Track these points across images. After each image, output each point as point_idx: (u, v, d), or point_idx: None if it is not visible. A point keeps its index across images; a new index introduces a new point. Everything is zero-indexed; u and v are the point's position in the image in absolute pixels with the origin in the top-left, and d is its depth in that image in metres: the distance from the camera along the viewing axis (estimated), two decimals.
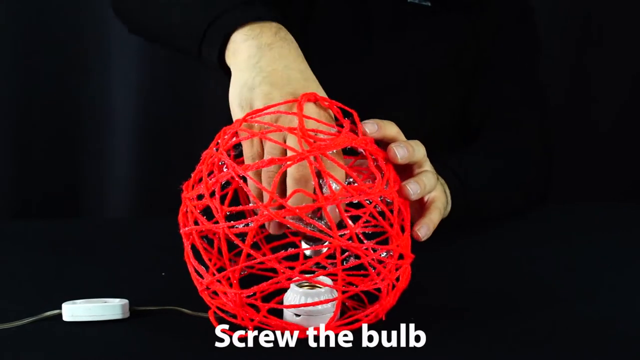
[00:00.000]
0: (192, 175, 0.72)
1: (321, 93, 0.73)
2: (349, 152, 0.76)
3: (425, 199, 0.77)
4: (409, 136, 0.79)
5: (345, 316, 0.72)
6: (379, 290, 0.72)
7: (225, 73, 0.79)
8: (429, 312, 0.76)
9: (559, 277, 0.88)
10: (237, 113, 0.73)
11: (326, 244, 0.68)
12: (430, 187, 0.75)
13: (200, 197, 0.70)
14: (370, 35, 1.15)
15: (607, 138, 1.71)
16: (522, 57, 1.21)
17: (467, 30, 1.17)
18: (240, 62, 0.75)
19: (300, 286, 0.71)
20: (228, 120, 0.75)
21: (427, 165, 0.77)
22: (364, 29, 1.15)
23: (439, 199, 0.79)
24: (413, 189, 0.72)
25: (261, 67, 0.73)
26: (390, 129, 0.74)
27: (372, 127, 0.72)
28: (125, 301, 0.73)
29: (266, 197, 0.68)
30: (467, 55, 1.18)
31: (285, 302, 0.70)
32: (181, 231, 0.72)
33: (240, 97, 0.73)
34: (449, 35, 1.17)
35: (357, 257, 0.68)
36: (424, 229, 0.74)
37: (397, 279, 0.71)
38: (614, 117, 1.69)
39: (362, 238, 0.75)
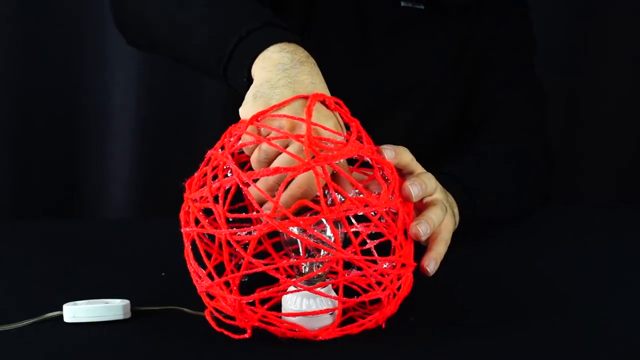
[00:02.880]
0: (196, 174, 0.71)
1: (338, 120, 0.73)
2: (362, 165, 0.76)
3: (425, 200, 0.77)
4: (412, 139, 0.79)
5: (345, 317, 0.72)
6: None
7: (244, 90, 0.78)
8: (429, 313, 0.76)
9: (560, 278, 0.88)
10: (247, 103, 0.73)
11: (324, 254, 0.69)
12: (430, 189, 0.76)
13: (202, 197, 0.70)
14: (368, 40, 1.15)
15: (607, 138, 1.71)
16: (522, 56, 1.21)
17: (464, 33, 1.17)
18: (269, 65, 0.75)
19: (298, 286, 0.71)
20: (228, 120, 0.75)
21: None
22: (361, 34, 1.15)
23: (446, 228, 0.79)
24: (415, 191, 0.73)
25: (289, 74, 0.73)
26: (405, 156, 0.75)
27: (391, 154, 0.73)
28: (126, 302, 0.73)
29: (269, 205, 0.68)
30: (466, 57, 1.18)
31: (284, 302, 0.70)
32: (182, 230, 0.72)
33: (257, 90, 0.73)
34: (447, 38, 1.17)
35: (359, 268, 0.68)
36: (432, 264, 0.75)
37: (399, 288, 0.71)
38: (615, 117, 1.69)
39: (372, 251, 0.75)
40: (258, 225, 0.65)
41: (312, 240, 0.67)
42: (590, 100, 1.69)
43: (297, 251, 0.72)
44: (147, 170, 1.62)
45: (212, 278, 0.69)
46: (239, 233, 0.66)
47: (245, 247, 0.66)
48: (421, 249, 0.76)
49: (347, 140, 0.69)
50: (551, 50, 1.57)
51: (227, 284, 0.68)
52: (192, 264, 0.70)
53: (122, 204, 1.62)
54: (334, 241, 0.66)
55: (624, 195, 1.70)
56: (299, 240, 0.71)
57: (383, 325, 0.70)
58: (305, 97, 0.70)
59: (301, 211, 0.68)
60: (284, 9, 1.09)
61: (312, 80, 0.73)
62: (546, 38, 1.32)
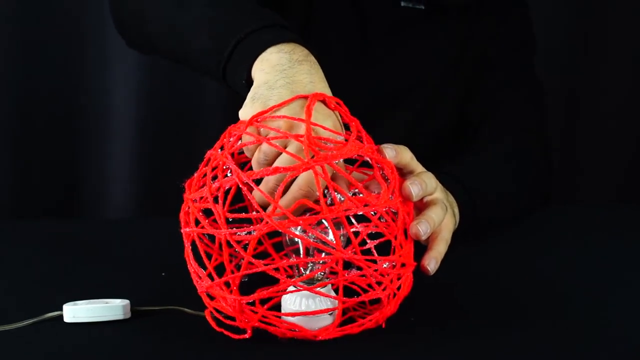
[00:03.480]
0: (195, 174, 0.72)
1: (338, 119, 0.73)
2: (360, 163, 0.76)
3: (425, 200, 0.77)
4: (412, 139, 0.78)
5: (345, 317, 0.72)
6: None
7: (244, 91, 0.78)
8: (429, 313, 0.76)
9: (560, 278, 0.88)
10: (247, 105, 0.73)
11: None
12: (431, 188, 0.76)
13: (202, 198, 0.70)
14: (368, 40, 1.15)
15: (607, 138, 1.70)
16: (522, 56, 1.21)
17: (464, 33, 1.17)
18: (267, 67, 0.75)
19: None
20: (228, 120, 0.75)
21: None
22: (361, 34, 1.15)
23: (446, 227, 0.79)
24: (415, 190, 0.73)
25: (287, 74, 0.73)
26: (405, 155, 0.75)
27: (392, 153, 0.73)
28: (126, 302, 0.73)
29: (263, 200, 0.67)
30: (466, 57, 1.18)
31: (284, 302, 0.70)
32: (182, 230, 0.72)
33: (255, 92, 0.73)
34: (447, 38, 1.17)
35: (359, 268, 0.68)
36: (433, 264, 0.75)
37: (399, 288, 0.71)
38: (615, 117, 1.69)
39: (372, 251, 0.75)
40: (258, 225, 0.65)
41: (312, 240, 0.67)
42: (591, 101, 1.69)
43: (297, 252, 0.72)
44: (147, 170, 1.62)
45: (212, 279, 0.69)
46: (238, 233, 0.66)
47: (245, 247, 0.66)
48: (421, 249, 0.76)
49: (346, 140, 0.69)
50: (551, 50, 1.56)
51: (227, 284, 0.68)
52: (192, 265, 0.70)
53: (122, 204, 1.62)
54: (334, 241, 0.66)
55: (624, 195, 1.70)
56: (299, 241, 0.71)
57: (383, 325, 0.70)
58: (305, 97, 0.70)
59: (302, 211, 0.68)
60: (283, 9, 1.09)
61: (310, 79, 0.73)
62: (546, 38, 1.32)
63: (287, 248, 0.73)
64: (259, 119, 0.70)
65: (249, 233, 0.66)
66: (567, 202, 1.68)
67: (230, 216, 0.67)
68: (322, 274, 0.71)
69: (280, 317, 0.68)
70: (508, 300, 0.80)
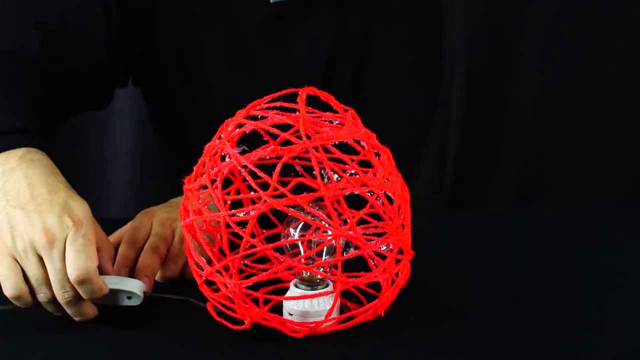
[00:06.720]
0: (195, 168, 0.72)
1: (73, 197, 0.76)
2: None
3: None
4: None
5: (345, 316, 0.72)
6: (378, 289, 0.72)
7: None
8: (429, 313, 0.76)
9: (559, 278, 0.88)
10: None
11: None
12: None
13: (202, 188, 0.70)
14: (252, 51, 1.09)
15: (609, 138, 1.70)
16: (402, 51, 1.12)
17: (336, 28, 1.08)
18: None
19: (299, 287, 0.71)
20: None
21: None
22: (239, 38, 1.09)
23: None
24: None
25: (6, 191, 0.75)
26: None
27: None
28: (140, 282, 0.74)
29: None
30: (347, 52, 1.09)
31: (285, 303, 0.71)
32: (182, 224, 0.72)
33: None
34: (323, 34, 1.08)
35: (357, 249, 0.68)
36: None
37: (397, 275, 0.71)
38: (616, 118, 1.69)
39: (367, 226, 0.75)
40: (256, 204, 0.66)
41: (310, 218, 0.67)
42: (592, 101, 1.69)
43: (297, 255, 0.72)
44: (147, 170, 1.62)
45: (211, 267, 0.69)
46: (237, 214, 0.66)
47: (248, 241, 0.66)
48: (419, 242, 0.76)
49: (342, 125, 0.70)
50: (552, 49, 1.57)
51: (226, 268, 0.68)
52: (193, 255, 0.70)
53: (122, 204, 1.62)
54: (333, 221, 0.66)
55: (624, 195, 1.70)
56: (299, 244, 0.71)
57: (382, 314, 0.70)
58: (296, 91, 0.70)
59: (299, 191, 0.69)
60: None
61: (28, 182, 0.75)
62: (547, 36, 1.31)
63: (287, 252, 0.73)
64: (256, 108, 0.70)
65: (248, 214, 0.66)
66: (567, 202, 1.67)
67: (229, 198, 0.68)
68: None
69: (280, 313, 0.68)
70: (507, 300, 0.80)
